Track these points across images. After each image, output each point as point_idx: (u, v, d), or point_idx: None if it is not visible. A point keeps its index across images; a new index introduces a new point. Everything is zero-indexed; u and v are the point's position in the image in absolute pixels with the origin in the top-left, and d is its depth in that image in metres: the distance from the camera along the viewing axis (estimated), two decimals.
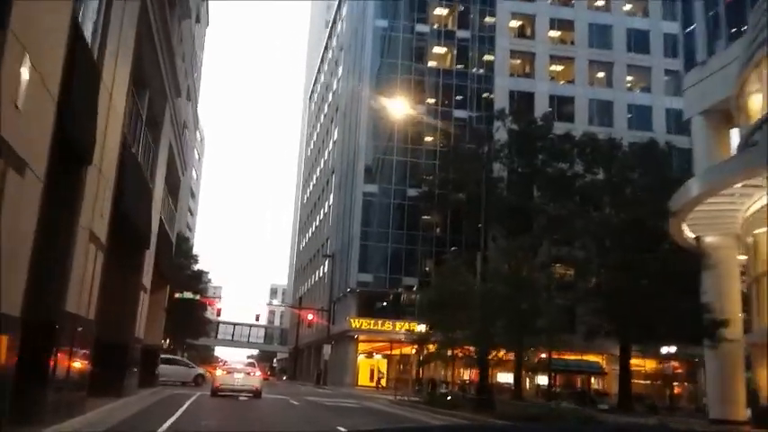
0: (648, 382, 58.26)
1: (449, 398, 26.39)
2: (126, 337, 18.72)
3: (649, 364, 55.73)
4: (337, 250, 59.65)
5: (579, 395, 41.53)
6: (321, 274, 72.97)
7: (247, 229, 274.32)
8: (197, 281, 55.54)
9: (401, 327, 53.03)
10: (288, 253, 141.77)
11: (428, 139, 57.89)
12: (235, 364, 25.77)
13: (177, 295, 49.81)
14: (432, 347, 34.84)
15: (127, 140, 14.78)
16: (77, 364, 12.75)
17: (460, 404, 24.19)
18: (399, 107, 55.31)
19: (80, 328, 12.43)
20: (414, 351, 50.37)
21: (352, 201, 57.08)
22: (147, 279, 20.73)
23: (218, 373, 24.45)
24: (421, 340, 36.53)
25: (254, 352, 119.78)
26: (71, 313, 11.38)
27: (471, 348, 30.66)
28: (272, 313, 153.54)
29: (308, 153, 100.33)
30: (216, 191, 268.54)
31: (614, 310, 45.07)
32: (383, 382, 54.78)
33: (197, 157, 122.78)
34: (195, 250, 60.89)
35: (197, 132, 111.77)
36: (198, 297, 51.28)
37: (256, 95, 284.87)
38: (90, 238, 12.07)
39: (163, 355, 45.68)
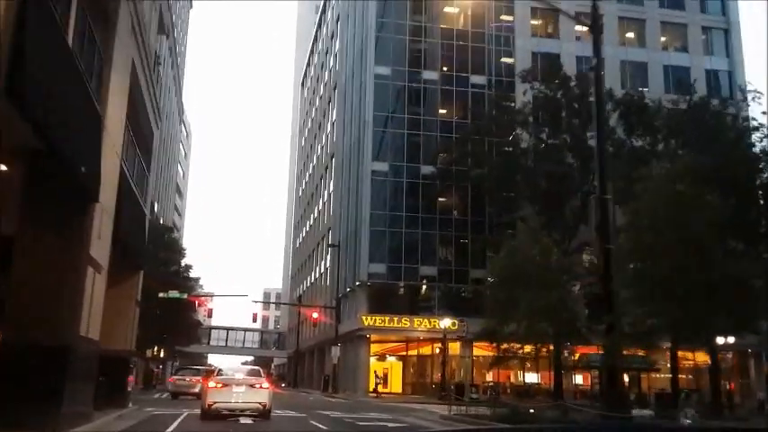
0: (688, 377, 51.76)
1: (531, 410, 19.57)
2: (62, 335, 11.98)
3: (698, 357, 49.30)
4: (342, 240, 52.85)
5: (666, 398, 34.92)
6: (322, 270, 66.19)
7: (237, 232, 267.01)
8: (184, 279, 48.53)
9: (420, 323, 46.35)
10: (281, 256, 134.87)
11: (443, 110, 51.25)
12: (233, 372, 18.89)
13: (162, 294, 43.04)
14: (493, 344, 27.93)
15: None
16: None
17: (559, 419, 17.34)
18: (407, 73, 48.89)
19: None
20: (438, 350, 43.78)
21: (359, 181, 50.32)
22: (99, 252, 13.93)
23: (211, 386, 17.56)
24: (489, 334, 29.62)
25: (249, 358, 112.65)
26: None
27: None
28: (265, 318, 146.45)
29: (303, 143, 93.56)
30: (204, 193, 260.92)
31: (675, 296, 38.74)
32: (382, 387, 47.85)
33: (183, 153, 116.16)
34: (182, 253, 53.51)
35: (182, 125, 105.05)
36: (185, 296, 44.33)
37: (243, 93, 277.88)
38: None
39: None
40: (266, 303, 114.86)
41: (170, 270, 45.86)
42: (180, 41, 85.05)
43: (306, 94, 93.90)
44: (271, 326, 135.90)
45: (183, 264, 49.58)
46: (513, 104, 46.73)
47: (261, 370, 19.27)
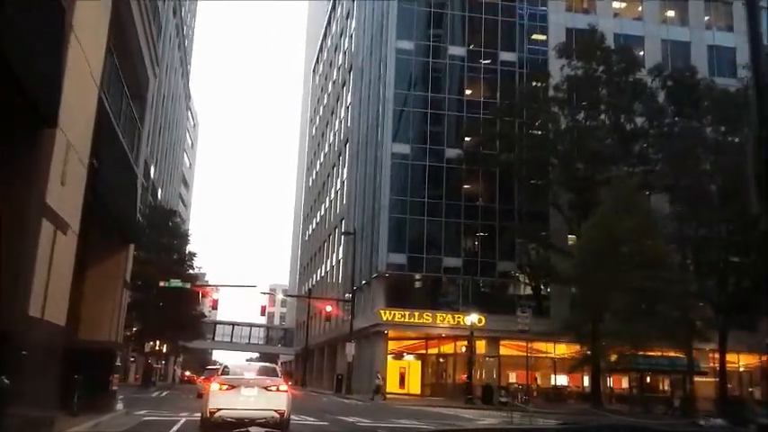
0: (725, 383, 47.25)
1: None
2: None
3: (744, 360, 45.28)
4: (358, 230, 48.99)
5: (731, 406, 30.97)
6: (334, 263, 62.52)
7: (243, 227, 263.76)
8: (188, 268, 44.74)
9: (443, 319, 42.56)
10: (287, 251, 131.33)
11: (469, 89, 47.40)
12: (241, 370, 15.10)
13: (162, 283, 39.41)
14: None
15: None
16: None
17: None
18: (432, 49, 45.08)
19: None
20: (464, 348, 39.97)
21: (377, 166, 46.56)
22: (63, 204, 10.22)
23: (214, 388, 13.78)
24: (571, 327, 25.41)
25: (255, 355, 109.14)
26: None
27: None
28: (270, 315, 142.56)
29: (313, 132, 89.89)
30: (210, 186, 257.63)
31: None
32: (399, 388, 44.17)
33: (190, 142, 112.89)
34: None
35: (189, 113, 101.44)
36: (188, 285, 40.62)
37: (251, 85, 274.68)
38: None
39: None
40: (275, 295, 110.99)
41: (172, 258, 42.19)
42: (188, 23, 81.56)
43: (317, 80, 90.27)
44: (276, 322, 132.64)
45: (187, 251, 45.77)
46: (544, 84, 42.88)
47: (276, 368, 15.41)
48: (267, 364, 16.74)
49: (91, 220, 14.10)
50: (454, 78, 46.87)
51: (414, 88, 46.36)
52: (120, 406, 21.59)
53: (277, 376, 14.43)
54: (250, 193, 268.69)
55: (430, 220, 44.08)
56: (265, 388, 13.52)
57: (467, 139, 45.96)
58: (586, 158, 38.85)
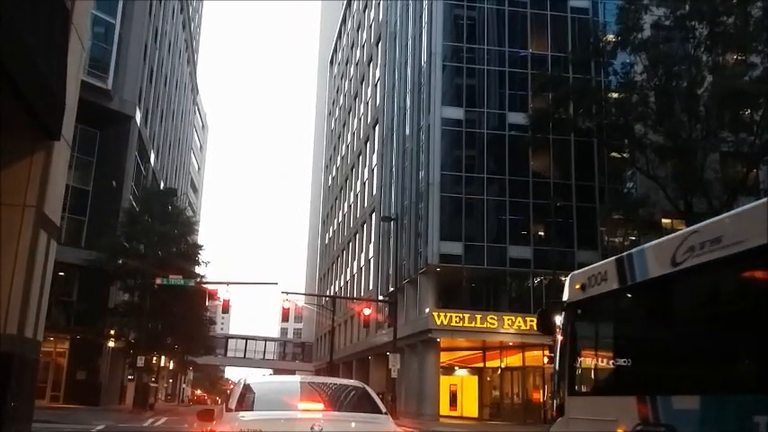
0: None
1: None
2: None
3: None
4: (398, 216, 40.41)
5: None
6: (362, 263, 54.21)
7: (254, 238, 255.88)
8: (192, 261, 36.20)
9: (512, 323, 33.86)
10: (302, 260, 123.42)
11: (535, 41, 38.97)
12: (287, 396, 6.38)
13: (159, 281, 31.18)
14: None
15: None
16: None
17: None
18: None
19: None
20: (546, 360, 31.20)
21: (421, 139, 38.20)
22: None
23: None
24: None
25: (269, 371, 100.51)
26: None
27: None
28: (283, 330, 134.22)
29: (332, 125, 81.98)
30: (220, 195, 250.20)
31: None
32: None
33: (199, 144, 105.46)
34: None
35: (197, 111, 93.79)
36: (192, 283, 32.20)
37: (261, 91, 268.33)
38: None
39: None
40: (296, 295, 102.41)
41: (171, 251, 33.87)
42: (194, 6, 73.94)
43: (336, 69, 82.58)
44: (290, 334, 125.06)
45: (191, 241, 37.13)
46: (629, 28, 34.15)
47: (368, 390, 6.31)
48: (347, 381, 7.15)
49: None
50: (516, 27, 38.46)
51: (467, 40, 38.07)
52: None
53: (380, 412, 5.89)
54: (261, 204, 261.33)
55: (491, 200, 35.63)
56: None
57: (531, 105, 37.60)
58: (698, 115, 30.41)
